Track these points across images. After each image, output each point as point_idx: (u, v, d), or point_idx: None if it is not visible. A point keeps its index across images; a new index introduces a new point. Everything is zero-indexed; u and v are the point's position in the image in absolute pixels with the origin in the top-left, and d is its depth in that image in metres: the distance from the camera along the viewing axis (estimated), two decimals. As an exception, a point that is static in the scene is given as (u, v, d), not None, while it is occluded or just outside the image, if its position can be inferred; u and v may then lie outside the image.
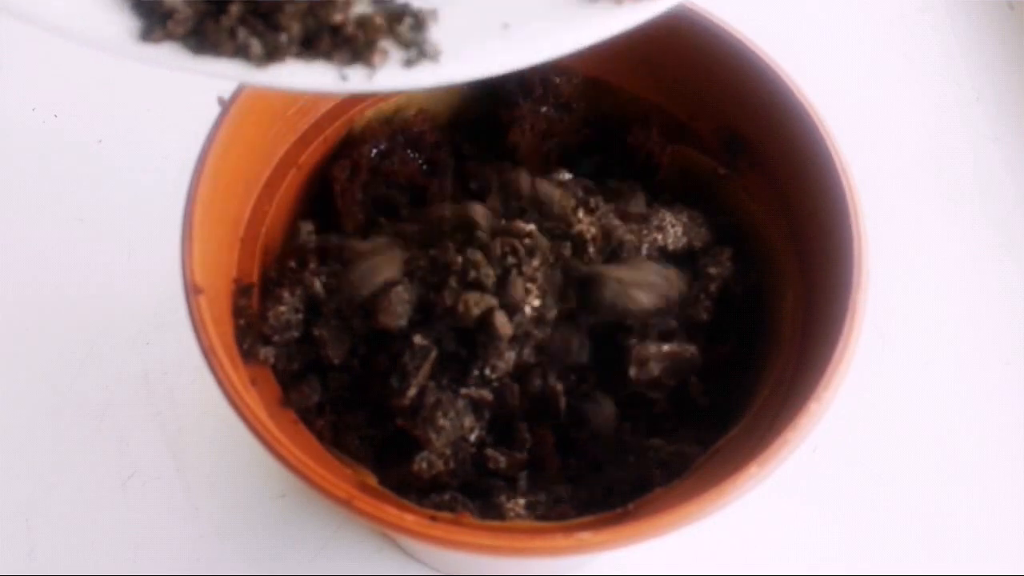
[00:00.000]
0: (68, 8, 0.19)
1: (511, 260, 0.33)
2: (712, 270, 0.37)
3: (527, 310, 0.33)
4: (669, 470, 0.33)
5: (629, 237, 0.36)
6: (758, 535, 0.43)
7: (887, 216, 0.44)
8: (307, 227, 0.36)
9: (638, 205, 0.38)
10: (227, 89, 0.34)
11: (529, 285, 0.33)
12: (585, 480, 0.33)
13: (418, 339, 0.32)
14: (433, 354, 0.32)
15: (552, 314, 0.33)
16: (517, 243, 0.33)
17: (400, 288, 0.33)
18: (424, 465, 0.31)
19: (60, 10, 0.19)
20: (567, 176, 0.39)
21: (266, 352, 0.33)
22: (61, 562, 0.41)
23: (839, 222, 0.33)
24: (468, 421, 0.32)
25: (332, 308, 0.34)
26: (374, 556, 0.42)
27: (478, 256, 0.33)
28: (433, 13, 0.21)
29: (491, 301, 0.32)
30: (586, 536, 0.27)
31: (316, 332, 0.34)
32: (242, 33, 0.19)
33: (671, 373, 0.35)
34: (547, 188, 0.36)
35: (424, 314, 0.33)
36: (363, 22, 0.20)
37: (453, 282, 0.32)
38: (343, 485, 0.27)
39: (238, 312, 0.33)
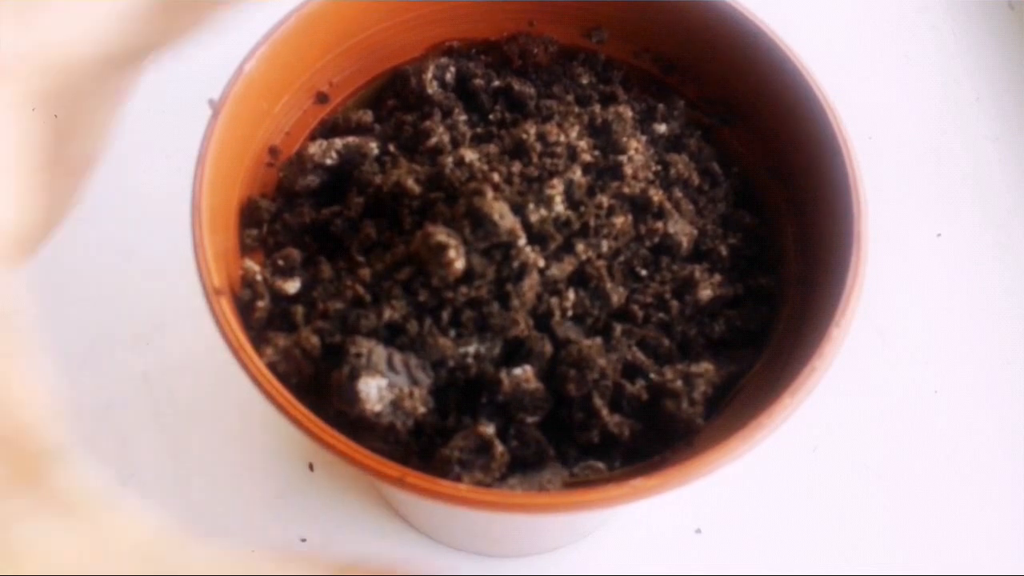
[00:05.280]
0: None
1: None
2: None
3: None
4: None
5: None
6: (759, 535, 0.43)
7: (887, 216, 0.44)
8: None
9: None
10: (216, 91, 0.34)
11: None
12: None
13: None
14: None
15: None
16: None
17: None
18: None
19: None
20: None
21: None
22: (61, 562, 0.41)
23: (832, 155, 0.33)
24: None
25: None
26: (374, 557, 0.42)
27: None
28: None
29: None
30: (638, 482, 0.27)
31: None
32: None
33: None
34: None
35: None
36: None
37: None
38: (393, 464, 0.27)
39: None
